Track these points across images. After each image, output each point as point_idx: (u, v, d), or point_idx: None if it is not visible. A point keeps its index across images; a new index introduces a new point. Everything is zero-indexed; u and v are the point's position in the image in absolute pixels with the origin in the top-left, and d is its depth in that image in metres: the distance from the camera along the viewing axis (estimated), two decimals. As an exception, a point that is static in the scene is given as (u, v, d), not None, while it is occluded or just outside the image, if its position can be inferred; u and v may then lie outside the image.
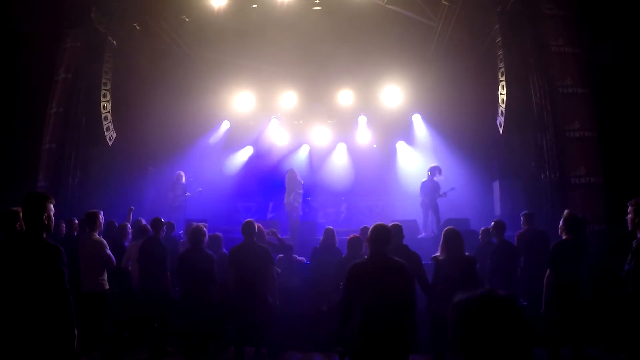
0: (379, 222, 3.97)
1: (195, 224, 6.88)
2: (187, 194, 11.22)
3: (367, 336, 3.57)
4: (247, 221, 5.76)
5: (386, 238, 3.81)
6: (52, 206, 3.33)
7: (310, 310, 6.73)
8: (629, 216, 4.31)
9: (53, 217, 3.33)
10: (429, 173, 10.42)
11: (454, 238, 5.03)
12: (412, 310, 3.69)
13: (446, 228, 5.30)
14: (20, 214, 4.07)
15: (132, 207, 8.39)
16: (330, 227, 6.91)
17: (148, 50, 11.41)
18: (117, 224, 7.41)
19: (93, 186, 10.42)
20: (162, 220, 6.46)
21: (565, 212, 5.67)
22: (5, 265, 3.12)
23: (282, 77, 13.03)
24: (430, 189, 10.28)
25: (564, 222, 5.37)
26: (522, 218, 7.16)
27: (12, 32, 9.54)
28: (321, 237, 6.84)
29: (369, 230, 3.90)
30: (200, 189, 11.45)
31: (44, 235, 3.26)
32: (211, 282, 5.61)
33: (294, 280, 6.65)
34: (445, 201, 10.71)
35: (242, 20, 10.94)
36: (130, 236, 7.08)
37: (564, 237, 5.33)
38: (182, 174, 11.41)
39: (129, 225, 7.32)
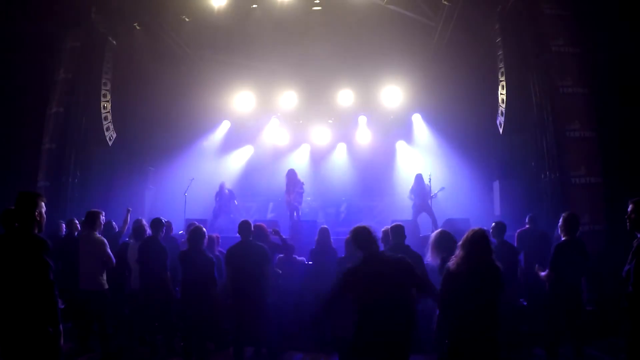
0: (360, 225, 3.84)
1: (195, 224, 6.87)
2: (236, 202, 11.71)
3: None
4: (243, 221, 5.74)
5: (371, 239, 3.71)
6: (43, 204, 3.39)
7: (310, 310, 6.71)
8: (630, 215, 4.30)
9: (45, 215, 3.37)
10: (415, 179, 10.52)
11: (446, 239, 5.09)
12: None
13: (436, 232, 5.37)
14: None
15: (130, 209, 7.74)
16: (325, 226, 6.89)
17: (148, 50, 11.41)
18: (115, 224, 7.40)
19: (93, 186, 10.42)
20: (162, 220, 6.45)
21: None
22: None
23: (282, 77, 13.02)
24: (421, 191, 10.37)
25: (564, 222, 5.33)
26: (527, 218, 7.33)
27: (12, 32, 9.53)
28: (316, 238, 6.82)
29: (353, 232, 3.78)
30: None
31: (36, 231, 3.32)
32: (211, 283, 5.59)
33: (294, 280, 6.64)
34: (445, 201, 10.72)
35: (242, 20, 10.94)
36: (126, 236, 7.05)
37: (564, 238, 5.31)
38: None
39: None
